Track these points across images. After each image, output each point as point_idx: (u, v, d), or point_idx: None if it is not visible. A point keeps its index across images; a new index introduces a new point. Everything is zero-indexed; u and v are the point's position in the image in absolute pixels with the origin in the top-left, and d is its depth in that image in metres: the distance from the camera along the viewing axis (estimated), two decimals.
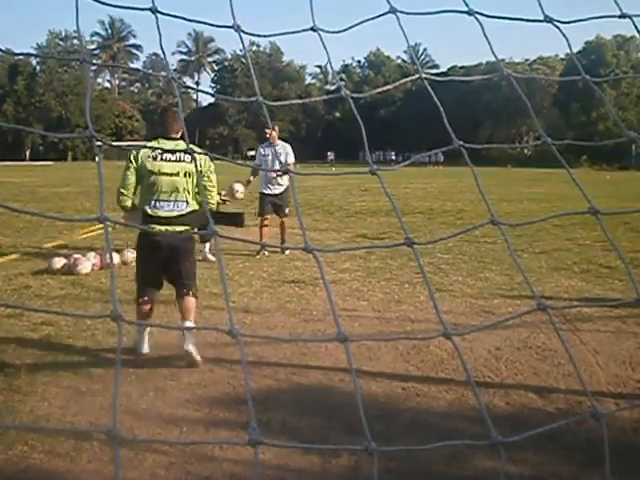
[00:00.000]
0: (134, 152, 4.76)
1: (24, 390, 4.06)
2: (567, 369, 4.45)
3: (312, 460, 3.21)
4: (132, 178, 4.64)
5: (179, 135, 4.74)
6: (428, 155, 6.02)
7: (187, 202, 4.60)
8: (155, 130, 4.21)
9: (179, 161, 4.58)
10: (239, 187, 8.73)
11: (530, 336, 5.22)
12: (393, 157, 73.95)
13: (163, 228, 4.54)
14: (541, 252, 9.39)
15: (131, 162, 4.63)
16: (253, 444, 0.90)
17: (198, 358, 4.49)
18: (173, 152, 4.57)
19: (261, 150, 9.42)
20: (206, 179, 4.73)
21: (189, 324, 4.70)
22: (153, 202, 4.57)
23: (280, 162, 9.02)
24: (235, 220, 9.04)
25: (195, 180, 4.60)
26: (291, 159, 9.21)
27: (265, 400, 3.88)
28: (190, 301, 4.73)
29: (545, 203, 18.32)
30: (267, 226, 9.51)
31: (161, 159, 4.57)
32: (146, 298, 4.80)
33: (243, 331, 0.96)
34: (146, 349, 4.82)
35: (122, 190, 4.66)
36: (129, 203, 4.71)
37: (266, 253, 9.19)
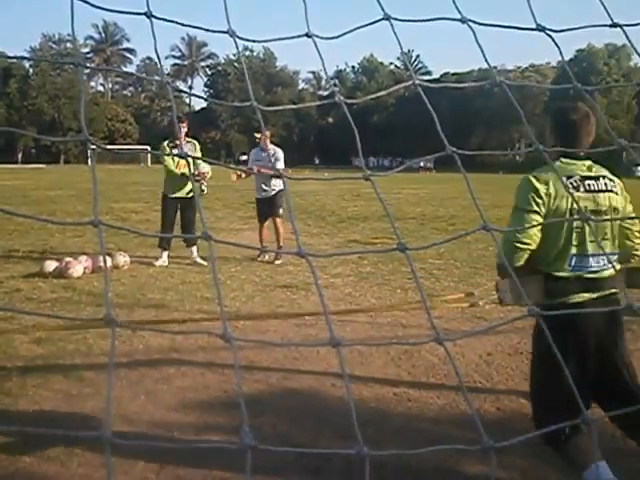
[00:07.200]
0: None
1: (14, 393, 4.05)
2: None
3: (303, 465, 3.21)
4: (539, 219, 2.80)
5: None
6: (421, 161, 6.07)
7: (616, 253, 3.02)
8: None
9: (606, 191, 2.94)
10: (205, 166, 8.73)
11: (521, 341, 5.24)
12: (386, 163, 74.00)
13: (593, 295, 2.83)
14: None
15: (537, 197, 2.81)
16: (245, 448, 0.90)
17: None
18: (595, 178, 2.96)
19: (252, 155, 9.46)
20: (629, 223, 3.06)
21: None
22: (572, 258, 2.83)
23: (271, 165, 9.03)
24: None
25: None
26: (280, 165, 8.98)
27: (257, 404, 3.88)
28: None
29: None
30: (265, 229, 9.52)
31: (585, 190, 2.87)
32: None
33: (235, 335, 0.96)
34: None
35: (522, 240, 2.71)
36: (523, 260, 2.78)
37: (267, 257, 9.15)
